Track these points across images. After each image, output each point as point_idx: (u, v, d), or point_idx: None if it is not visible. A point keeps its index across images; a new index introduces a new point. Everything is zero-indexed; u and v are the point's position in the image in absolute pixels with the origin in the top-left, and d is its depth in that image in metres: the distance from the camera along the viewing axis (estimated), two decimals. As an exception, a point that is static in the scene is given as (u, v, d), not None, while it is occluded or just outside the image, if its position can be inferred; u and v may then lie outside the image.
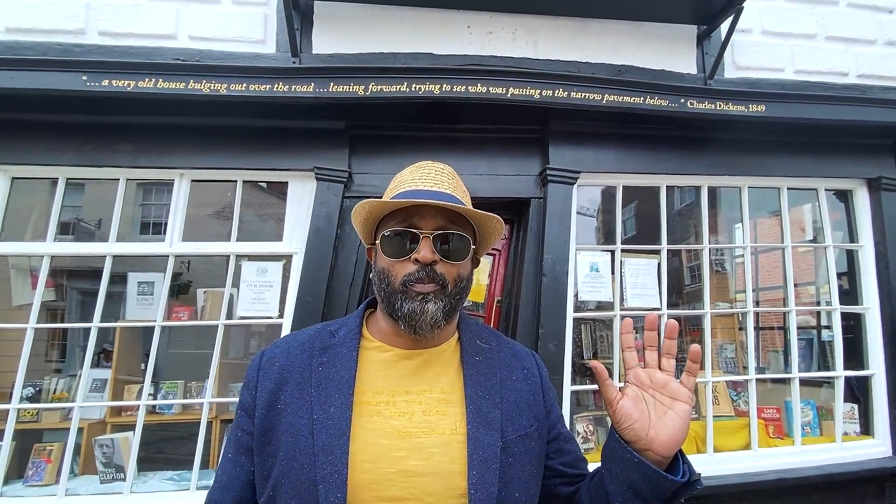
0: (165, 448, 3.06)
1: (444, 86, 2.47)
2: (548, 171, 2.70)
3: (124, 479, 2.30)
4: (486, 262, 3.08)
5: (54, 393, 2.90)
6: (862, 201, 3.10)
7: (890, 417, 2.88)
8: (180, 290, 4.13)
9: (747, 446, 2.75)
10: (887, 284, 2.96)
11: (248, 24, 2.51)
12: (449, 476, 0.65)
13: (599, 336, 3.49)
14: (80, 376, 2.51)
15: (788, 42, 2.79)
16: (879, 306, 2.98)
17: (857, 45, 2.87)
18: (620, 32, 2.65)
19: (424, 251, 0.71)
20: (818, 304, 3.49)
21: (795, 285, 3.18)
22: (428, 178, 0.78)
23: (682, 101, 2.58)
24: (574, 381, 2.65)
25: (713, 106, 2.61)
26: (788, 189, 3.05)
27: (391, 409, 0.69)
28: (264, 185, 3.90)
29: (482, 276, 3.05)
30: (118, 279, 2.87)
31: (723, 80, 2.71)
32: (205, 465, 2.45)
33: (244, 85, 2.39)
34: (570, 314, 2.61)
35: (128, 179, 2.66)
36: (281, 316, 2.55)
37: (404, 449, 0.66)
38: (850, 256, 3.15)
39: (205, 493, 2.25)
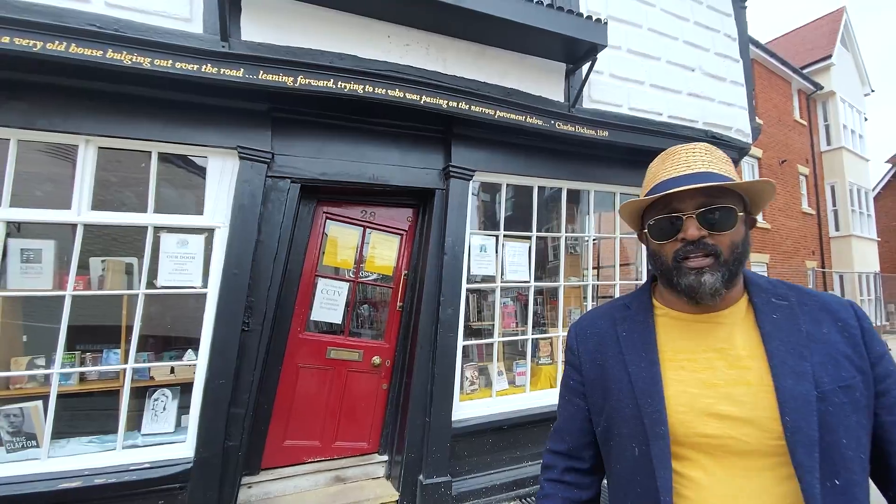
0: (68, 418, 2.98)
1: (368, 87, 2.83)
2: (450, 168, 3.25)
3: (38, 446, 2.32)
4: (394, 240, 3.56)
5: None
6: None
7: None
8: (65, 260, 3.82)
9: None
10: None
11: (172, 0, 2.53)
12: (762, 421, 0.71)
13: (484, 304, 4.25)
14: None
15: (626, 85, 3.75)
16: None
17: (669, 93, 3.96)
18: (510, 61, 3.28)
19: (691, 230, 0.78)
20: (636, 279, 4.73)
21: (622, 265, 4.31)
22: (679, 163, 0.83)
23: (553, 122, 3.34)
24: (465, 338, 3.33)
25: (573, 128, 3.43)
26: (620, 193, 4.10)
27: (694, 365, 0.79)
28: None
29: (391, 253, 3.53)
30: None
31: (581, 109, 3.54)
32: (114, 430, 2.53)
33: (170, 62, 2.45)
34: (465, 285, 3.25)
35: (20, 141, 2.50)
36: (205, 286, 2.72)
37: (713, 397, 0.75)
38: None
39: (132, 450, 2.42)
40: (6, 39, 2.18)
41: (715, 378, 0.76)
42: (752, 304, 0.82)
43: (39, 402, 2.41)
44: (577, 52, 3.28)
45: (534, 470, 3.32)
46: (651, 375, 0.80)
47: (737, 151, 4.28)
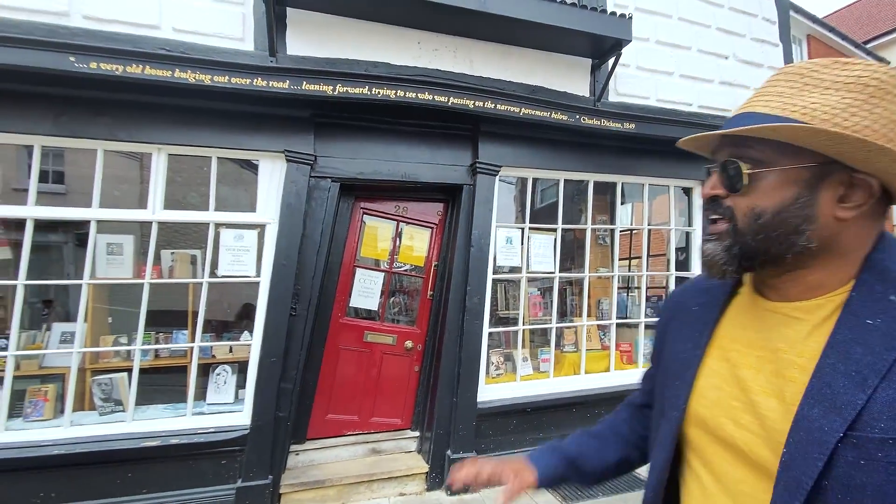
0: (145, 390, 3.45)
1: (399, 91, 3.05)
2: (477, 164, 3.43)
3: (124, 411, 2.75)
4: (425, 233, 3.79)
5: (28, 345, 3.13)
6: (696, 197, 4.28)
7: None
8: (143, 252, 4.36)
9: (607, 369, 3.88)
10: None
11: (227, 22, 2.85)
12: (778, 446, 0.58)
13: (510, 295, 4.42)
14: (45, 329, 2.91)
15: (654, 77, 3.76)
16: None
17: (700, 82, 3.93)
18: (535, 59, 3.40)
19: (706, 185, 0.67)
20: (666, 271, 4.74)
21: (651, 256, 4.34)
22: (757, 93, 0.65)
23: (578, 117, 3.43)
24: (491, 325, 3.52)
25: (599, 122, 3.51)
26: (649, 185, 4.13)
27: (742, 360, 0.66)
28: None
29: (422, 245, 3.77)
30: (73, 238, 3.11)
31: (607, 102, 3.60)
32: (184, 399, 2.93)
33: (227, 77, 2.77)
34: (490, 276, 3.44)
35: (105, 151, 2.90)
36: (258, 276, 3.06)
37: (741, 402, 0.64)
38: (687, 236, 4.36)
39: (199, 417, 2.81)
40: (94, 65, 2.56)
41: (754, 382, 0.63)
42: (851, 298, 0.60)
43: (125, 374, 2.84)
44: (602, 47, 3.35)
45: (558, 451, 3.49)
46: (688, 359, 0.73)
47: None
